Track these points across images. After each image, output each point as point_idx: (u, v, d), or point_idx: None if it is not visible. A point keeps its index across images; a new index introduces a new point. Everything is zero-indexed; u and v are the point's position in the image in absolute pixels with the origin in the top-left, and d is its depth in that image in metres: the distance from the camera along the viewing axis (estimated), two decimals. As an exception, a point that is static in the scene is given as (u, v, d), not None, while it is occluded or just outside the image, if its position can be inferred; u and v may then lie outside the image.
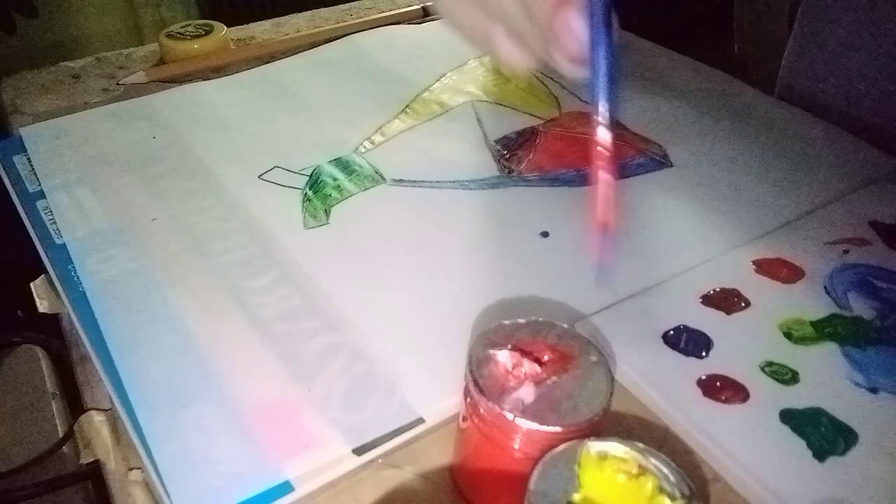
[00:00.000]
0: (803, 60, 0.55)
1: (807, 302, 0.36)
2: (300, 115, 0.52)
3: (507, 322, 0.27)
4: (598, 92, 0.25)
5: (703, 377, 0.32)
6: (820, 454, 0.29)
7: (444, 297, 0.37)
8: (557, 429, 0.23)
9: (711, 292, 0.36)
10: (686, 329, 0.34)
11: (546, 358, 0.26)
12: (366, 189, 0.45)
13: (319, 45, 0.62)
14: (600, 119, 0.26)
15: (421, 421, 0.31)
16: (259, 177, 0.46)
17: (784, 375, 0.32)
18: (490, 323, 0.27)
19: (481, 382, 0.25)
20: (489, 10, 0.28)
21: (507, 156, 0.48)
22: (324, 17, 0.69)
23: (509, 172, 0.47)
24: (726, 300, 0.36)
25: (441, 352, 0.34)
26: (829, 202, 0.43)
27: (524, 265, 0.39)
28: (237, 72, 0.58)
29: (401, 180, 0.46)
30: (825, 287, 0.37)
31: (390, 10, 0.68)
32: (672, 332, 0.34)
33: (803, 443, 0.30)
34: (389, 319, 0.36)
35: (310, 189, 0.45)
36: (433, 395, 0.32)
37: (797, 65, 0.56)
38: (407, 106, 0.54)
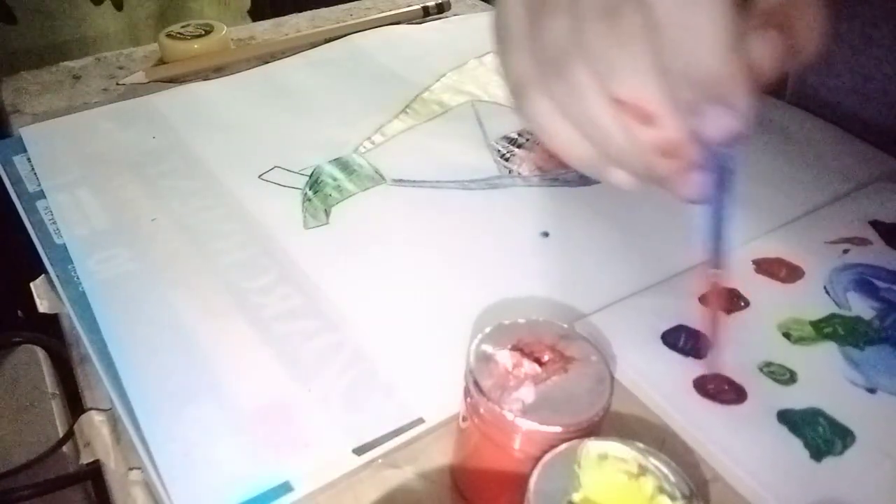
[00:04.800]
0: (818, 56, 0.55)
1: (806, 302, 0.36)
2: (300, 115, 0.52)
3: (507, 322, 0.27)
4: (712, 241, 0.28)
5: (701, 377, 0.32)
6: (817, 454, 0.29)
7: (444, 297, 0.37)
8: (557, 429, 0.23)
9: (710, 293, 0.36)
10: (685, 329, 0.34)
11: (546, 358, 0.26)
12: (366, 189, 0.45)
13: (319, 45, 0.62)
14: (714, 266, 0.29)
15: (421, 421, 0.31)
16: (259, 177, 0.46)
17: (782, 376, 0.32)
18: (490, 323, 0.27)
19: (481, 382, 0.25)
20: (603, 150, 0.26)
21: (508, 156, 0.48)
22: (324, 17, 0.69)
23: (509, 172, 0.47)
24: (726, 301, 0.36)
25: (441, 352, 0.34)
26: (830, 202, 0.43)
27: (524, 265, 0.39)
28: (237, 72, 0.58)
29: (401, 180, 0.46)
30: (825, 287, 0.37)
31: (390, 10, 0.68)
32: (671, 331, 0.34)
33: (800, 443, 0.30)
34: (389, 319, 0.36)
35: (310, 189, 0.45)
36: (433, 395, 0.32)
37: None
38: (407, 106, 0.54)
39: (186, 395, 0.32)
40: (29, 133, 0.49)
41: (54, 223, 0.42)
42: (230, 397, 0.32)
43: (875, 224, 0.41)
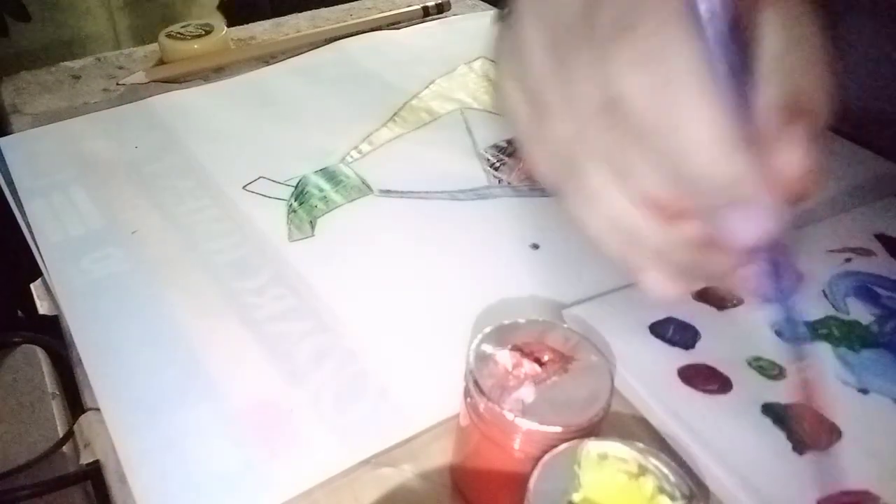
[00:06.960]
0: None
1: (803, 303, 0.36)
2: (286, 123, 0.51)
3: (507, 322, 0.27)
4: (788, 334, 0.24)
5: (686, 366, 0.32)
6: (800, 447, 0.29)
7: (434, 310, 0.36)
8: (557, 429, 0.23)
9: (705, 288, 0.36)
10: (674, 321, 0.34)
11: (546, 358, 0.26)
12: (352, 200, 0.44)
13: (320, 46, 0.62)
14: (797, 359, 0.24)
15: (418, 422, 0.31)
16: (243, 188, 0.45)
17: (771, 371, 0.32)
18: (489, 324, 0.27)
19: (481, 382, 0.25)
20: (638, 244, 0.24)
21: (497, 165, 0.47)
22: (324, 17, 0.69)
23: (499, 182, 0.46)
24: (719, 297, 0.36)
25: (430, 361, 0.34)
26: (836, 214, 0.42)
27: (514, 277, 0.38)
28: (237, 72, 0.58)
29: (388, 191, 0.45)
30: (822, 290, 0.36)
31: (390, 10, 0.68)
32: (660, 322, 0.34)
33: (783, 435, 0.29)
34: (379, 333, 0.35)
35: (295, 200, 0.44)
36: (432, 395, 0.32)
37: None
38: (395, 114, 0.52)
39: (179, 396, 0.32)
40: (7, 143, 0.48)
41: (50, 223, 0.41)
42: (223, 398, 0.32)
43: (881, 237, 0.40)
